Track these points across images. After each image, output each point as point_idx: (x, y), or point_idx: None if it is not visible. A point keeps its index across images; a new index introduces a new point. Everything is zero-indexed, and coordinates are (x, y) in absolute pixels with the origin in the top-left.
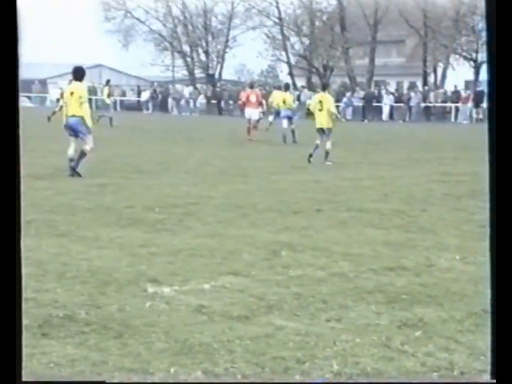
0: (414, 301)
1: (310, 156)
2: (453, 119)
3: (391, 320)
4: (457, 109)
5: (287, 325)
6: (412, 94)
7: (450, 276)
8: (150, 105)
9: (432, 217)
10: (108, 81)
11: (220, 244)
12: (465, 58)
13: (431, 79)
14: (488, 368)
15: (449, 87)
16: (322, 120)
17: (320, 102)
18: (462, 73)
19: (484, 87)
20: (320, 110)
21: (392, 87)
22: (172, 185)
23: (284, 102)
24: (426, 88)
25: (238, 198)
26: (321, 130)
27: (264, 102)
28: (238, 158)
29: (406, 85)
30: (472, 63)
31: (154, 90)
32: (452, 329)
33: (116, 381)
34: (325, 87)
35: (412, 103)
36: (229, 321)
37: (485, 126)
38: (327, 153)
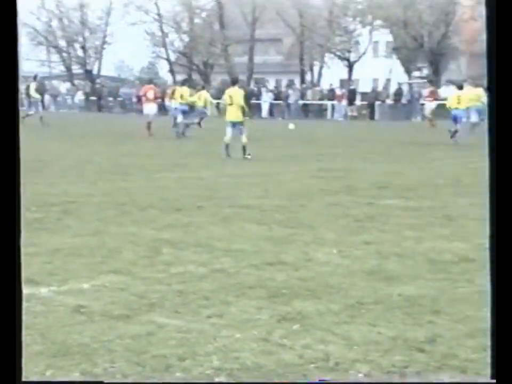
0: (293, 295)
1: (227, 155)
2: (329, 116)
3: (271, 314)
4: (333, 106)
5: (168, 322)
6: (290, 91)
7: (328, 270)
8: (26, 101)
9: (311, 212)
10: (35, 76)
11: (101, 242)
12: (339, 57)
13: (308, 77)
14: (488, 368)
15: (325, 85)
16: (232, 114)
17: (230, 96)
18: (337, 72)
19: (355, 85)
20: (230, 104)
21: (271, 85)
22: (49, 184)
23: (181, 96)
24: (304, 86)
25: (118, 195)
26: (231, 124)
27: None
28: (119, 155)
29: (284, 82)
30: (346, 62)
31: (28, 86)
32: (329, 322)
33: (115, 381)
34: (234, 82)
35: (290, 101)
36: (109, 320)
37: (359, 123)
38: (244, 147)
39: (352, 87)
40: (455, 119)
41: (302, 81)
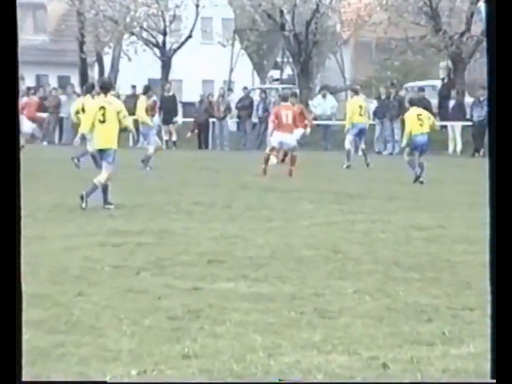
0: None
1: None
2: (131, 143)
3: None
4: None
5: None
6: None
7: None
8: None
9: (92, 308)
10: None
11: None
12: (146, 43)
13: (93, 73)
14: (488, 368)
15: (125, 88)
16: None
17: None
18: (145, 68)
19: (176, 90)
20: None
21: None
22: None
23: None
24: (73, 90)
25: None
26: None
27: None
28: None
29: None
30: (157, 50)
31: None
32: None
33: (116, 381)
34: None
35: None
36: None
37: (182, 153)
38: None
39: (169, 94)
40: (420, 150)
41: (83, 80)
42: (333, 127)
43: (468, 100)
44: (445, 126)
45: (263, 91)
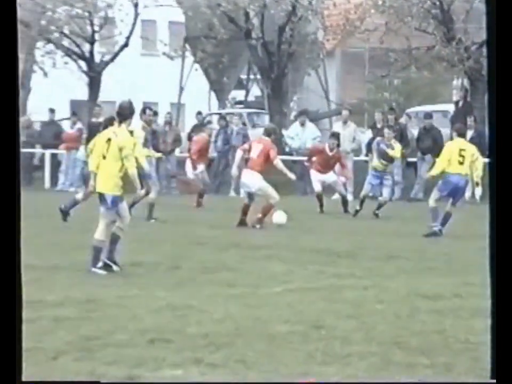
0: None
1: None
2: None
3: None
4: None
5: None
6: None
7: None
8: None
9: None
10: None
11: None
12: (68, 53)
13: None
14: (488, 368)
15: (40, 113)
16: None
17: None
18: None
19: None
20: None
21: None
22: None
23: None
24: None
25: None
26: None
27: None
28: None
29: None
30: (83, 63)
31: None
32: None
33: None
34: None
35: None
36: None
37: None
38: None
39: (98, 120)
40: (454, 196)
41: None
42: None
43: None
44: None
45: (223, 117)
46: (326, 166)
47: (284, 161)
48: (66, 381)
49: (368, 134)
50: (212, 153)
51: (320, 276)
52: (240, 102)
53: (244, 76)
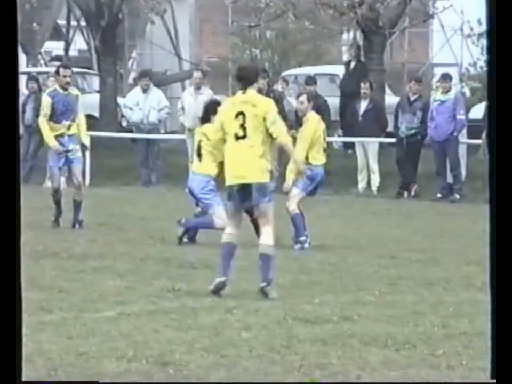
0: None
1: None
2: None
3: None
4: None
5: None
6: None
7: None
8: None
9: None
10: None
11: None
12: None
13: None
14: (488, 368)
15: None
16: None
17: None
18: None
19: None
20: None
21: None
22: None
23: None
24: None
25: None
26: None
27: None
28: None
29: None
30: None
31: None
32: None
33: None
34: None
35: None
36: None
37: None
38: None
39: None
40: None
41: None
42: (161, 143)
43: (391, 100)
44: (352, 146)
45: (34, 78)
46: None
47: (121, 139)
48: (66, 381)
49: None
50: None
51: (169, 294)
52: (58, 58)
53: (62, 22)
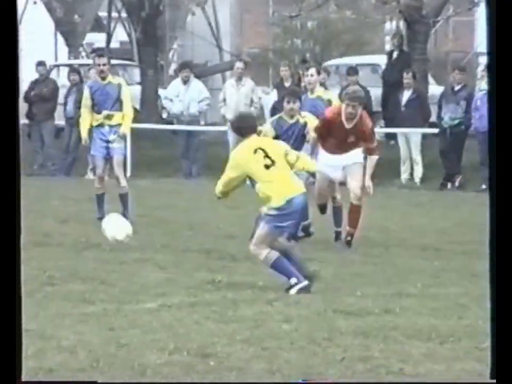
0: None
1: None
2: None
3: None
4: None
5: None
6: None
7: None
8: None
9: None
10: None
11: None
12: None
13: None
14: (488, 368)
15: None
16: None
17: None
18: None
19: None
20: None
21: None
22: None
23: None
24: None
25: None
26: None
27: None
28: None
29: None
30: None
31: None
32: None
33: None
34: None
35: None
36: None
37: None
38: None
39: None
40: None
41: None
42: (201, 135)
43: (434, 89)
44: (394, 136)
45: (75, 70)
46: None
47: (161, 131)
48: (66, 381)
49: (274, 95)
50: (60, 119)
51: (209, 286)
52: (99, 50)
53: (103, 14)
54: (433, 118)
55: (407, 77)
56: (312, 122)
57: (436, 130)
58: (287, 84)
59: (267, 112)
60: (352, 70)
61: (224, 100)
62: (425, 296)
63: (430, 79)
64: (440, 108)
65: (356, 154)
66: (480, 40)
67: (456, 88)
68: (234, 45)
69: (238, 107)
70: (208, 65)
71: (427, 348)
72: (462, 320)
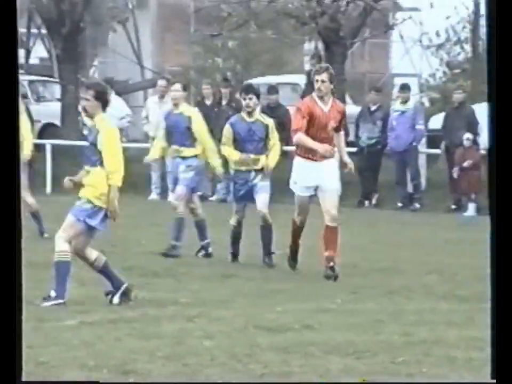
0: None
1: None
2: None
3: None
4: None
5: None
6: None
7: None
8: None
9: None
10: None
11: None
12: None
13: None
14: (489, 368)
15: None
16: None
17: None
18: None
19: None
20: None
21: None
22: None
23: None
24: None
25: None
26: None
27: None
28: None
29: None
30: None
31: None
32: None
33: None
34: None
35: None
36: None
37: None
38: None
39: None
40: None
41: None
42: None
43: (351, 109)
44: None
45: None
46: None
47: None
48: (66, 381)
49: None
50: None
51: (131, 303)
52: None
53: (22, 30)
54: (351, 137)
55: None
56: (273, 125)
57: (353, 149)
58: (208, 102)
59: None
60: (273, 89)
61: (147, 117)
62: (344, 312)
63: (348, 99)
64: (357, 127)
65: (333, 165)
66: (395, 62)
67: (372, 108)
68: (156, 63)
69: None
70: (130, 83)
71: (344, 363)
72: (378, 335)
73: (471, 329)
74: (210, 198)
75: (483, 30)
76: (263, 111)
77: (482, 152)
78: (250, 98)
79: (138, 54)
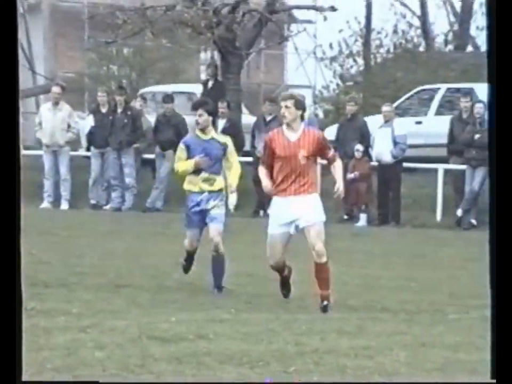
0: None
1: None
2: None
3: None
4: None
5: None
6: None
7: None
8: None
9: None
10: None
11: None
12: None
13: None
14: (489, 368)
15: None
16: None
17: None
18: None
19: None
20: None
21: None
22: None
23: None
24: None
25: None
26: None
27: None
28: None
29: None
30: None
31: None
32: None
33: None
34: None
35: None
36: None
37: None
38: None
39: None
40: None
41: None
42: None
43: (247, 119)
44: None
45: None
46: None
47: None
48: (66, 381)
49: (90, 120)
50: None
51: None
52: None
53: None
54: (246, 147)
55: (221, 106)
56: (231, 145)
57: (249, 159)
58: (103, 110)
59: (83, 136)
60: (168, 98)
61: (40, 124)
62: (238, 322)
63: (244, 109)
64: (253, 137)
65: (312, 197)
66: (290, 73)
67: (268, 118)
68: (49, 69)
69: (54, 131)
70: (21, 89)
71: (238, 373)
72: (271, 344)
73: (362, 338)
74: (105, 207)
75: (374, 43)
76: (159, 119)
77: (373, 163)
78: (200, 115)
79: (29, 59)
